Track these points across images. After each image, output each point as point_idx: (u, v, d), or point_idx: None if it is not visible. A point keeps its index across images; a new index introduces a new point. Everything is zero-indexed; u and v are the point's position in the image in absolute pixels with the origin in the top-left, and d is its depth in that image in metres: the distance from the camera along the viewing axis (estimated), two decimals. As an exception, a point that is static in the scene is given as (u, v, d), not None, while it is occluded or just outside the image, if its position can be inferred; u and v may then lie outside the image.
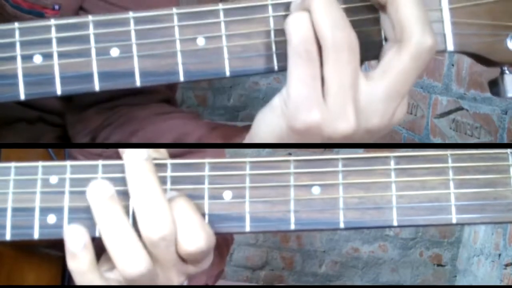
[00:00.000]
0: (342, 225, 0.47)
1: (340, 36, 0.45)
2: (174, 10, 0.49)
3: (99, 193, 0.45)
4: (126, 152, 0.46)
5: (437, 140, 1.58)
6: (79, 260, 0.44)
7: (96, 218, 0.45)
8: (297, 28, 0.46)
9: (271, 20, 0.50)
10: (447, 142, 1.54)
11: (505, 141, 1.28)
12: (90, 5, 0.76)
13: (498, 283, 1.69)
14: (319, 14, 0.46)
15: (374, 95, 0.47)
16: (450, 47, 0.52)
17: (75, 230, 0.44)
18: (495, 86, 0.54)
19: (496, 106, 1.30)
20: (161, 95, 0.80)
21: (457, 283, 2.04)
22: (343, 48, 0.45)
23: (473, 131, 1.40)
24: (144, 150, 0.46)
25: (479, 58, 0.53)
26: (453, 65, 1.50)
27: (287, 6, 0.49)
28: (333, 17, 0.46)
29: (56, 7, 0.74)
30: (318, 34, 0.46)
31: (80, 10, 0.76)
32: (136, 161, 0.45)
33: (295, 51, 0.46)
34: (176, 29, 0.49)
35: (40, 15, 0.73)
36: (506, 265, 1.67)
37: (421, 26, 0.45)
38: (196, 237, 0.45)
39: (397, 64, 0.46)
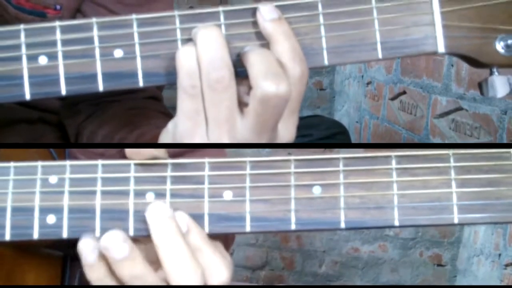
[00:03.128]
0: (343, 225, 0.47)
1: (214, 76, 0.47)
2: (176, 13, 0.50)
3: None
4: (149, 207, 0.47)
5: (437, 140, 1.58)
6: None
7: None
8: (183, 63, 0.48)
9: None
10: (446, 142, 1.55)
11: (505, 141, 1.28)
12: (89, 9, 0.77)
13: (498, 283, 1.70)
14: (198, 51, 0.48)
15: (247, 130, 0.49)
16: (441, 49, 0.53)
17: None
18: (484, 87, 0.55)
19: (496, 106, 1.30)
20: (148, 93, 0.83)
21: (457, 283, 2.04)
22: (215, 87, 0.48)
23: (473, 131, 1.40)
24: (167, 208, 0.47)
25: (469, 60, 0.54)
26: (452, 65, 1.50)
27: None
28: (210, 56, 0.48)
29: (58, 7, 0.74)
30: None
31: (78, 12, 0.77)
32: (161, 221, 0.47)
33: (181, 85, 0.48)
34: None
35: (42, 15, 0.74)
36: (506, 265, 1.67)
37: (263, 76, 0.47)
38: (220, 276, 0.47)
39: (252, 108, 0.48)
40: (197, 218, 0.47)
